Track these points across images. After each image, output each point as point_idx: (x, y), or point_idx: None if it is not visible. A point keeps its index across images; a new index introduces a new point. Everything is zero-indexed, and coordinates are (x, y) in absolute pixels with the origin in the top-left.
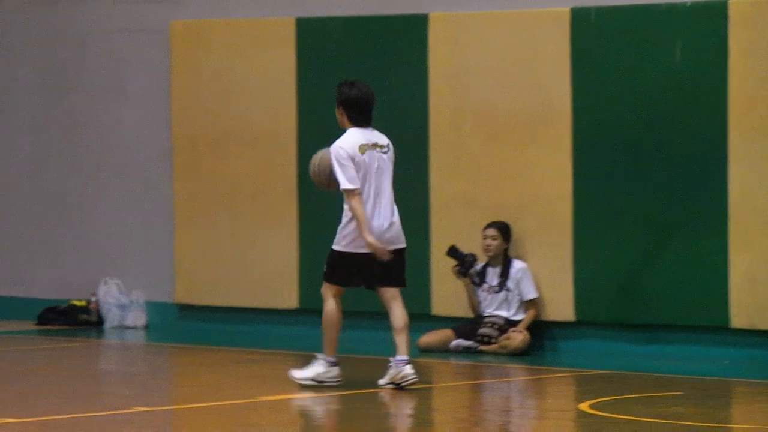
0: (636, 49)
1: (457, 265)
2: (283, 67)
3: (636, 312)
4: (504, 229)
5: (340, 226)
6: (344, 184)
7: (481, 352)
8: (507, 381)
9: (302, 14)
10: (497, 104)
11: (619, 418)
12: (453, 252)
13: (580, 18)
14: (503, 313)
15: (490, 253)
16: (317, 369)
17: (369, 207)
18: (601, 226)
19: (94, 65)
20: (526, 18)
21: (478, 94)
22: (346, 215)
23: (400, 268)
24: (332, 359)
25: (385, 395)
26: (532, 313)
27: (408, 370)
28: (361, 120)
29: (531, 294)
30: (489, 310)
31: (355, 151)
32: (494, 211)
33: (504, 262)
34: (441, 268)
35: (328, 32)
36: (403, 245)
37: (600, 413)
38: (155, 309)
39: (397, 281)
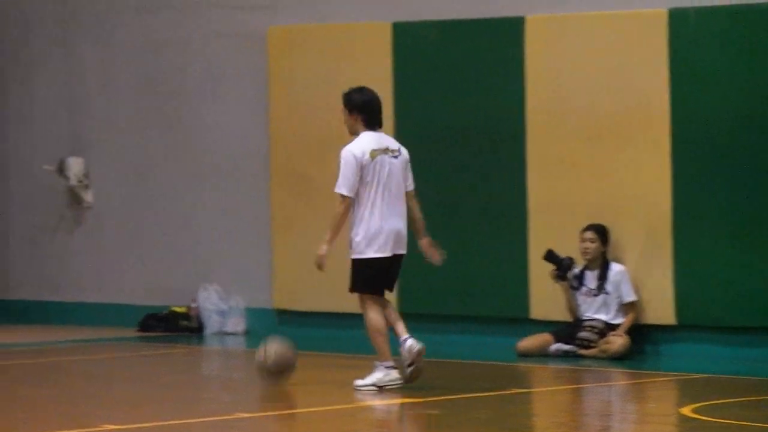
0: (735, 50)
1: (554, 269)
2: (380, 71)
3: (738, 315)
4: (602, 232)
5: (352, 234)
6: (341, 188)
7: (581, 356)
8: (607, 385)
9: (399, 18)
10: (595, 106)
11: (722, 423)
12: (550, 256)
13: (677, 19)
14: (602, 317)
15: (588, 257)
16: (377, 375)
17: (379, 210)
18: (701, 228)
19: (194, 71)
20: (623, 19)
21: (575, 96)
22: (354, 223)
23: (397, 274)
24: (389, 363)
25: (486, 399)
26: (631, 316)
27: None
28: (374, 122)
29: (630, 297)
30: (588, 313)
31: (366, 156)
32: (592, 214)
33: (602, 266)
34: (539, 271)
35: (425, 36)
36: (404, 251)
37: (703, 417)
38: (254, 315)
39: (392, 286)
